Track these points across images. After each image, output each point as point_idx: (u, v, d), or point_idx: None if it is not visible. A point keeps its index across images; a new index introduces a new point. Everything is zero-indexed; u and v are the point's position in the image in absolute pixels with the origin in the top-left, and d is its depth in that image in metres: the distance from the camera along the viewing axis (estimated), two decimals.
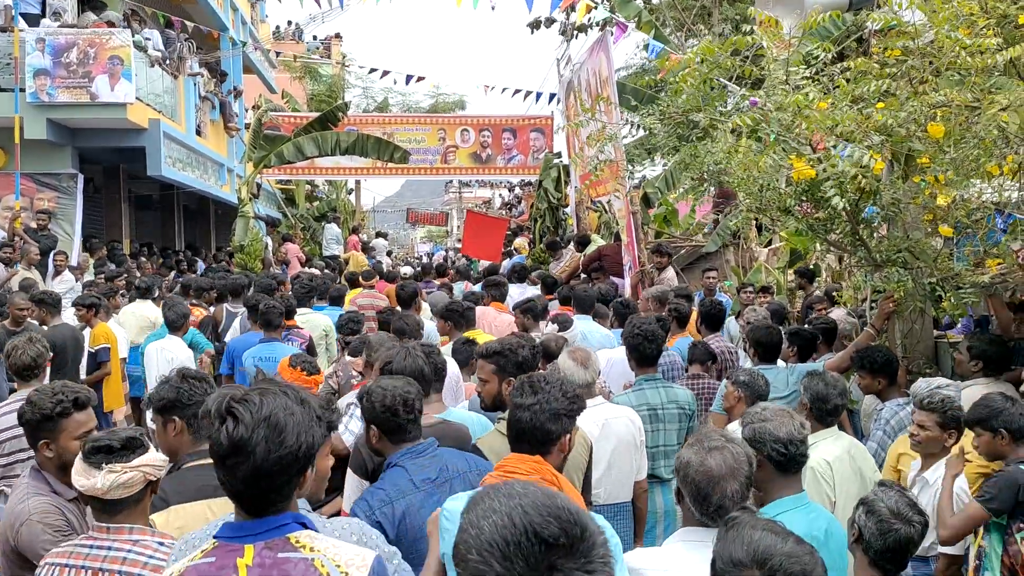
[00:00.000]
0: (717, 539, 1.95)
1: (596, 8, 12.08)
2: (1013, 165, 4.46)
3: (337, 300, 9.16)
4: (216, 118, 17.62)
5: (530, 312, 6.60)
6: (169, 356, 7.01)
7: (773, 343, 5.35)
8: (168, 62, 14.44)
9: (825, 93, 4.70)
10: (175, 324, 7.27)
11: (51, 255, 10.94)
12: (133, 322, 8.56)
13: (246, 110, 21.15)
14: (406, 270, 14.16)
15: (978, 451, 3.64)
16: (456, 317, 6.26)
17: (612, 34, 10.41)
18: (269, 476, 1.84)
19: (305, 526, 1.90)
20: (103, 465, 2.51)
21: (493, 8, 11.11)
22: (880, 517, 2.59)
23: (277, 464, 1.83)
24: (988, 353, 4.72)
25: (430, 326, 7.07)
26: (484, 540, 1.30)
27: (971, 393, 4.40)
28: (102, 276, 11.05)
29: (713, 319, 6.60)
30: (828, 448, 3.88)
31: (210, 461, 2.91)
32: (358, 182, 27.57)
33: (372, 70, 17.43)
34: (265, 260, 14.89)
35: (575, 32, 16.10)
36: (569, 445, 2.80)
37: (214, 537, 1.90)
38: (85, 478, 2.52)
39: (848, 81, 4.65)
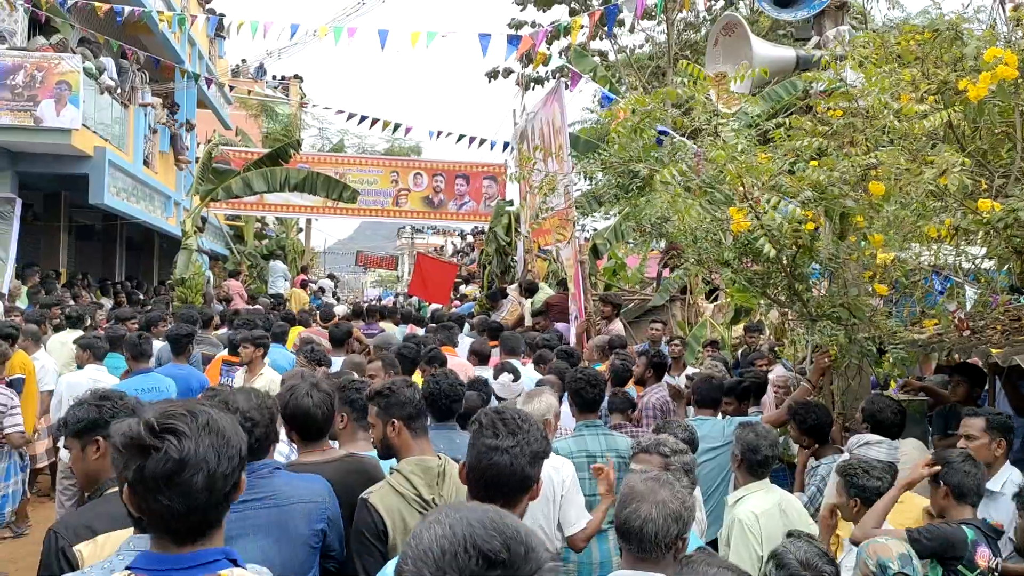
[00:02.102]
0: None
1: (550, 60, 12.29)
2: (950, 229, 4.56)
3: (279, 338, 8.95)
4: (166, 150, 17.37)
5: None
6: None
7: (713, 395, 5.37)
8: (120, 91, 14.24)
9: (762, 144, 4.77)
10: (97, 355, 7.00)
11: None
12: (61, 352, 8.24)
13: (198, 144, 20.91)
14: (340, 309, 13.97)
15: (931, 506, 3.62)
16: (438, 365, 6.10)
17: (567, 85, 10.55)
18: (220, 488, 1.74)
19: (236, 563, 1.79)
20: None
21: (444, 36, 11.06)
22: (790, 571, 2.54)
23: (229, 469, 1.74)
24: (877, 417, 4.55)
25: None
26: (421, 549, 1.21)
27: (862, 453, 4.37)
28: (37, 305, 10.69)
29: (658, 368, 6.64)
30: (757, 501, 3.85)
31: None
32: (309, 221, 27.36)
33: (326, 108, 17.39)
34: (206, 295, 14.58)
35: (531, 84, 16.33)
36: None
37: (129, 568, 1.76)
38: None
39: (786, 138, 4.72)
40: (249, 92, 26.85)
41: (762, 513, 3.71)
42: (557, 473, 3.91)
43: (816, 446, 4.73)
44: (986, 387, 5.65)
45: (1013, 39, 4.76)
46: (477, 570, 1.19)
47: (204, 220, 16.06)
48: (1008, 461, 4.10)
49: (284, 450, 3.83)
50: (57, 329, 8.96)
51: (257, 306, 14.53)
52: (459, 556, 1.19)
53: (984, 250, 4.96)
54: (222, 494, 1.75)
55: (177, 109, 18.04)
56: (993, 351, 4.18)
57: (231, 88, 23.21)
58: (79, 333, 8.53)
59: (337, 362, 6.88)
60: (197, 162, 17.34)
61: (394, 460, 3.21)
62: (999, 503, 3.91)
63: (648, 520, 2.33)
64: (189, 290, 13.91)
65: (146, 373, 6.31)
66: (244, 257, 21.24)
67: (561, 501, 3.90)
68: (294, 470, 3.05)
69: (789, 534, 2.80)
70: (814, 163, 4.35)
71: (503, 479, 2.32)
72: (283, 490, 2.84)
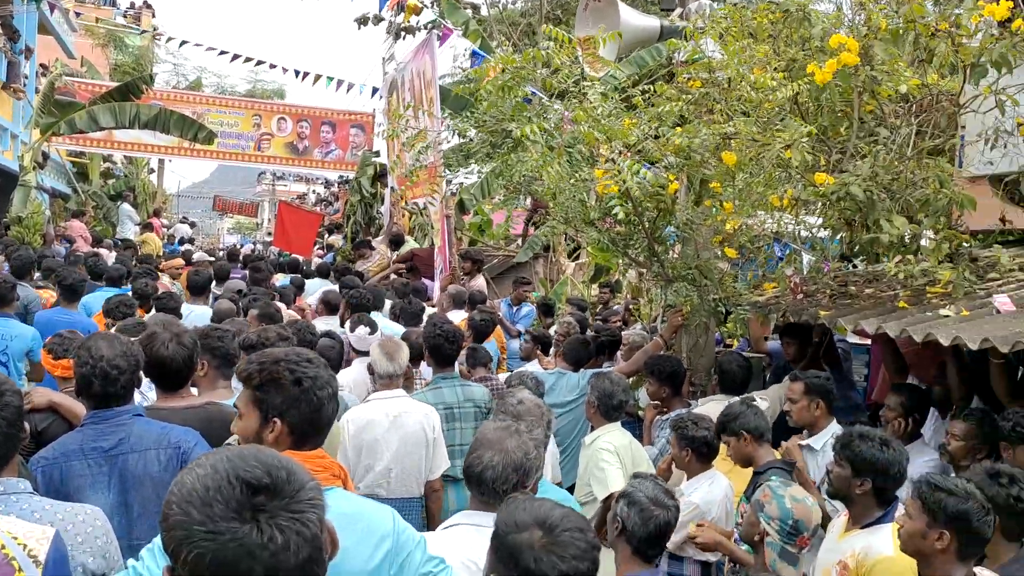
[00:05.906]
0: (499, 512, 2.01)
1: (423, 11, 12.11)
2: (791, 199, 4.90)
3: (116, 282, 8.44)
4: (2, 78, 16.00)
5: None
6: None
7: (581, 356, 5.65)
8: None
9: (627, 108, 4.95)
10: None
11: None
12: None
13: (38, 73, 19.35)
14: (199, 256, 13.52)
15: (732, 458, 3.94)
16: None
17: (439, 37, 10.46)
18: None
19: None
20: None
21: None
22: (641, 506, 2.77)
23: None
24: (727, 372, 4.91)
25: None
26: (185, 491, 1.24)
27: (707, 408, 4.69)
28: None
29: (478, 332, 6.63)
30: (613, 437, 4.15)
31: None
32: (161, 162, 25.94)
33: (184, 42, 16.50)
34: (46, 235, 13.68)
35: (402, 33, 16.04)
36: None
37: None
38: None
39: (648, 104, 4.92)
40: (98, 20, 24.98)
41: (620, 447, 3.98)
42: (427, 419, 4.19)
43: (670, 398, 5.01)
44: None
45: (856, 22, 5.11)
46: (242, 498, 1.23)
47: (45, 156, 14.99)
48: (834, 420, 4.23)
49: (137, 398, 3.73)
50: None
51: (102, 250, 13.76)
52: (223, 488, 1.24)
53: (820, 220, 5.36)
54: None
55: (17, 35, 16.60)
56: (821, 313, 4.54)
57: (77, 15, 21.56)
58: None
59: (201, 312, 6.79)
60: (37, 92, 16.10)
61: None
62: (820, 461, 4.02)
63: (488, 467, 2.47)
64: (27, 230, 13.00)
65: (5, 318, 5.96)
66: (89, 197, 19.96)
67: (433, 444, 4.15)
68: (152, 415, 3.00)
69: (635, 475, 3.02)
70: (678, 129, 4.56)
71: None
72: (141, 436, 2.80)
